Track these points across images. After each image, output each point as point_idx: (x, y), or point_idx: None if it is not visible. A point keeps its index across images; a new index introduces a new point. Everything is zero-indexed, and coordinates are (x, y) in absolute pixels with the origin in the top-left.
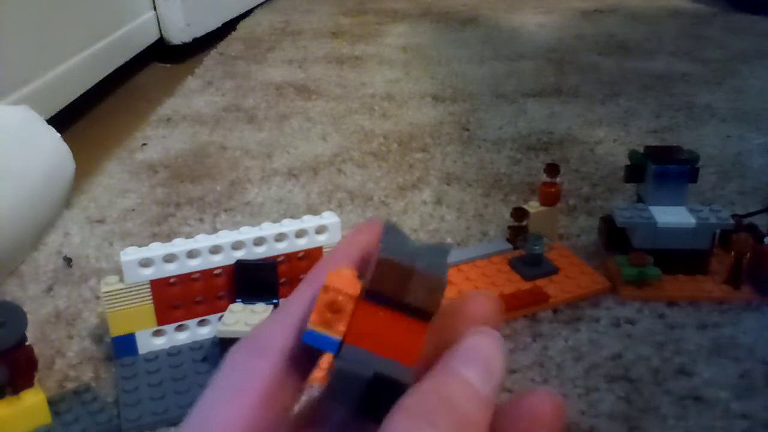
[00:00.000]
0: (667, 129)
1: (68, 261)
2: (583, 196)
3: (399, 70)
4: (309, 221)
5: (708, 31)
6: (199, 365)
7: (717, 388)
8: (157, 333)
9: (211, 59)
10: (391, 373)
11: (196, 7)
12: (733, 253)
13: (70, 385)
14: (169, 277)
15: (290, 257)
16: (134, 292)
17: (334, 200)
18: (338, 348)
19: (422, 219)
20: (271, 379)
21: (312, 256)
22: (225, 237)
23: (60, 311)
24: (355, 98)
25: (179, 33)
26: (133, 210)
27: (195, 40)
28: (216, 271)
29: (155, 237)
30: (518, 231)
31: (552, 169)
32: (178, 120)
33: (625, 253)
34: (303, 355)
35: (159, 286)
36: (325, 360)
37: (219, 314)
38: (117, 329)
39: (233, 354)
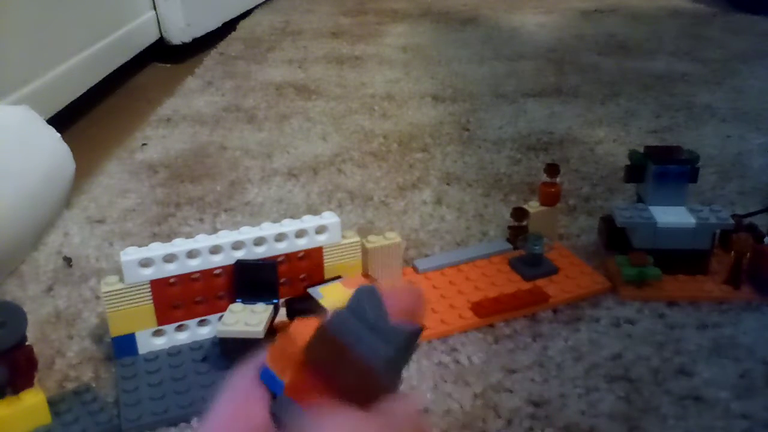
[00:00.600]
0: (667, 129)
1: (68, 261)
2: (583, 196)
3: (399, 70)
4: (309, 221)
5: (708, 31)
6: (199, 365)
7: (717, 388)
8: (157, 333)
9: (211, 59)
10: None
11: (196, 7)
12: (733, 253)
13: (70, 385)
14: (169, 277)
15: (290, 257)
16: (134, 292)
17: (334, 200)
18: (282, 390)
19: (422, 219)
20: (263, 392)
21: (312, 256)
22: (225, 237)
23: (60, 311)
24: (355, 98)
25: (179, 33)
26: (133, 210)
27: (195, 40)
28: (216, 271)
29: (155, 237)
30: (518, 231)
31: (552, 169)
32: (178, 120)
33: (625, 253)
34: None
35: (159, 286)
36: None
37: (219, 314)
38: (117, 329)
39: (236, 372)
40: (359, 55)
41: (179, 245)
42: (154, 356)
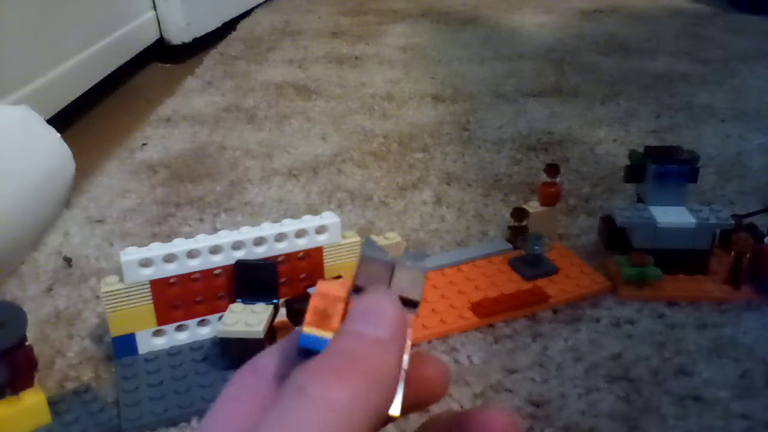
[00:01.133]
0: (667, 129)
1: (68, 261)
2: (583, 196)
3: (399, 70)
4: (309, 221)
5: (708, 31)
6: (199, 365)
7: (717, 388)
8: (157, 333)
9: (211, 59)
10: None
11: (196, 7)
12: (733, 253)
13: (70, 385)
14: (169, 277)
15: (290, 257)
16: (134, 292)
17: (334, 200)
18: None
19: (422, 219)
20: (262, 391)
21: (312, 256)
22: (225, 237)
23: (60, 311)
24: (355, 98)
25: (179, 33)
26: (133, 210)
27: (195, 40)
28: (216, 271)
29: (155, 237)
30: (518, 231)
31: (552, 169)
32: (178, 120)
33: (625, 253)
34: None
35: (159, 286)
36: None
37: (219, 314)
38: (117, 329)
39: (237, 372)
40: (359, 55)
41: (179, 245)
42: (154, 356)
